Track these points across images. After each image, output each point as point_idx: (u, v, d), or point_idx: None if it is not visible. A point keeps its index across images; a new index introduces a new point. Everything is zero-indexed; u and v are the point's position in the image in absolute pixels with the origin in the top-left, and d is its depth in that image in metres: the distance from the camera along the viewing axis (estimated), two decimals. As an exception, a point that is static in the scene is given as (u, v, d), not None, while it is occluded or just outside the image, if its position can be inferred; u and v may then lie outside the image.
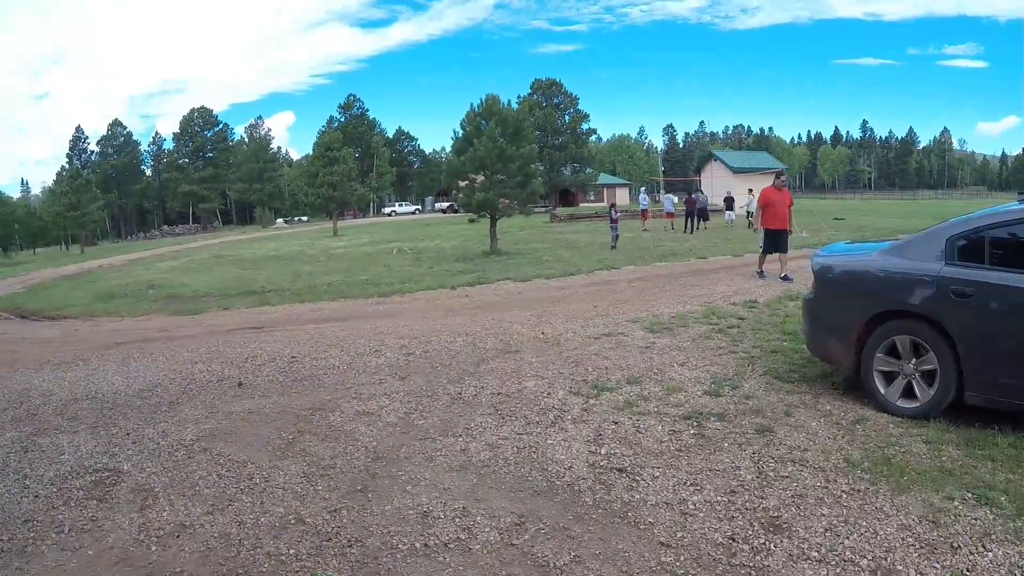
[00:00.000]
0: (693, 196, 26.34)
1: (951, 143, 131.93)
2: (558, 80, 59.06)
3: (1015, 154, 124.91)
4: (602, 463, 3.86)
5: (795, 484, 3.48)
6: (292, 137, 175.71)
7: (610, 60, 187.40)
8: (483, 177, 18.78)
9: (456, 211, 17.66)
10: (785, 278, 10.28)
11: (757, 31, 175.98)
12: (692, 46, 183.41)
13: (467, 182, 19.25)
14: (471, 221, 19.39)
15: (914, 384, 4.41)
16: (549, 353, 6.39)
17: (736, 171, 38.85)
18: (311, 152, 47.85)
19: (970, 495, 3.25)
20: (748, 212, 26.05)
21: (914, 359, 4.41)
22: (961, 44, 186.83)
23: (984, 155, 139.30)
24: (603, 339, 6.83)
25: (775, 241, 10.58)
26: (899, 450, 3.83)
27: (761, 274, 10.71)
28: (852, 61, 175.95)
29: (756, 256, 15.32)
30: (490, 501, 3.46)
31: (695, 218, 24.91)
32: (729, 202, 26.77)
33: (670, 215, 26.24)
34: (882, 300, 4.62)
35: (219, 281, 14.57)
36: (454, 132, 20.00)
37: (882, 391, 4.54)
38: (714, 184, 37.24)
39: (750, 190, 27.12)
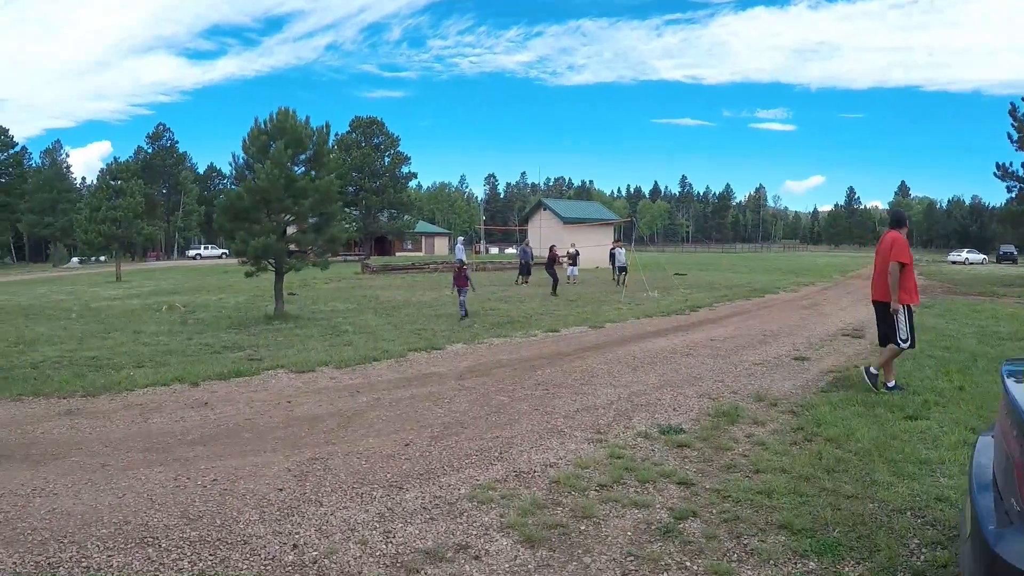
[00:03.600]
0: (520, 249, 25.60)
1: (765, 199, 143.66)
2: (379, 119, 54.99)
3: (825, 210, 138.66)
4: None
5: None
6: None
7: (436, 108, 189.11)
8: (266, 216, 14.07)
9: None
10: (881, 382, 6.36)
11: (582, 87, 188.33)
12: (518, 99, 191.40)
13: (244, 223, 14.38)
14: (248, 275, 14.38)
15: None
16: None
17: (567, 221, 37.36)
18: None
19: None
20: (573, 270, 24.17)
21: None
22: (773, 108, 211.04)
23: (796, 211, 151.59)
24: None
25: (912, 322, 6.38)
26: None
27: (897, 387, 6.29)
28: (671, 121, 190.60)
29: (617, 326, 11.46)
30: None
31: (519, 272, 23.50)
32: (575, 257, 24.59)
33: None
34: None
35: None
36: (233, 156, 15.06)
37: None
38: (543, 235, 35.14)
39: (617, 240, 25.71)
